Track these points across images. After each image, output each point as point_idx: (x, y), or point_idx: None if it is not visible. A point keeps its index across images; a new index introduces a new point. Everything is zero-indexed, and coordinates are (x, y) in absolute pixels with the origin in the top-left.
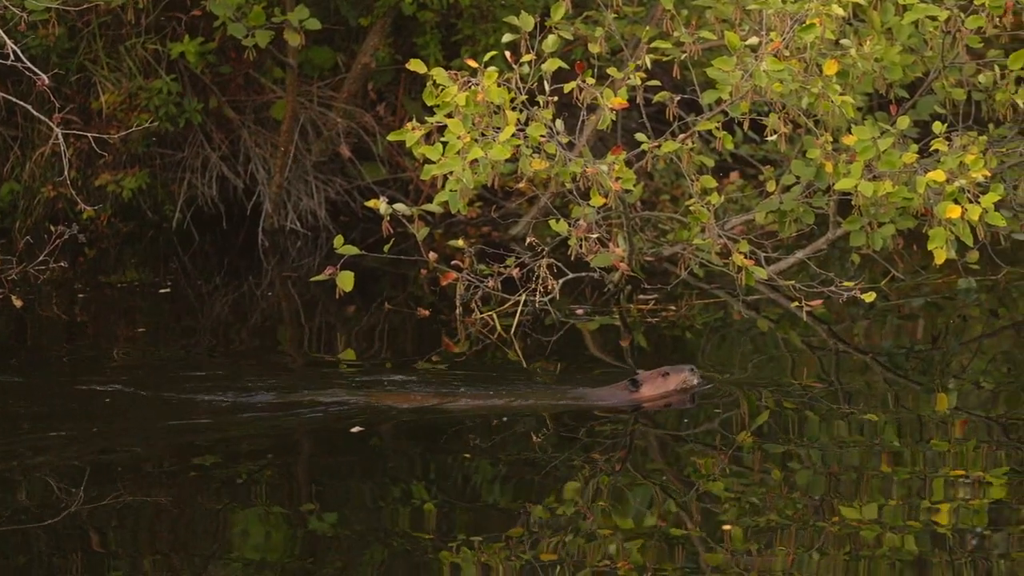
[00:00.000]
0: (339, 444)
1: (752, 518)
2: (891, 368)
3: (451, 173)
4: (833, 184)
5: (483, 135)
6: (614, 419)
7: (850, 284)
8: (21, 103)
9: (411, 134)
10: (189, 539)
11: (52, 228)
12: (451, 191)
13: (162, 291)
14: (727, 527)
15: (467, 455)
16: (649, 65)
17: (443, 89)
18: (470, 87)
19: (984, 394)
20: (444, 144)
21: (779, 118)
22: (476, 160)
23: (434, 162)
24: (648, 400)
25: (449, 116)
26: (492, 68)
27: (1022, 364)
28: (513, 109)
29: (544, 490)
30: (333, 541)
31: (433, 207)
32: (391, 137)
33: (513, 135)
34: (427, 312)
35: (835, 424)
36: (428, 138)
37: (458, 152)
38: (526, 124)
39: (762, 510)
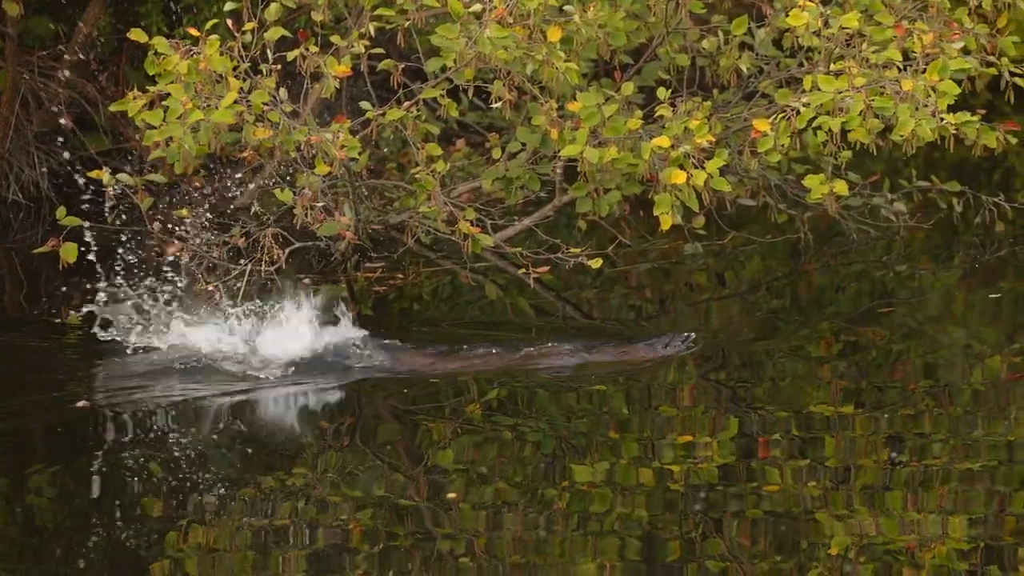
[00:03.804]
0: (65, 419)
1: (480, 487)
2: (619, 334)
3: (172, 139)
4: (559, 151)
5: (207, 104)
6: (342, 388)
7: (577, 250)
8: None
9: (133, 103)
10: None
11: None
12: (172, 149)
13: None
14: (452, 495)
15: (195, 428)
16: (373, 33)
17: (165, 58)
18: (192, 55)
19: (711, 359)
20: (166, 110)
21: (504, 85)
22: (198, 126)
23: (156, 127)
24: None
25: (171, 84)
26: (214, 36)
27: (749, 328)
28: (236, 78)
29: (271, 459)
30: (56, 519)
31: (157, 177)
32: (113, 107)
33: (236, 102)
34: (154, 283)
35: (564, 393)
36: (151, 107)
37: (179, 117)
38: (250, 92)
39: (490, 479)
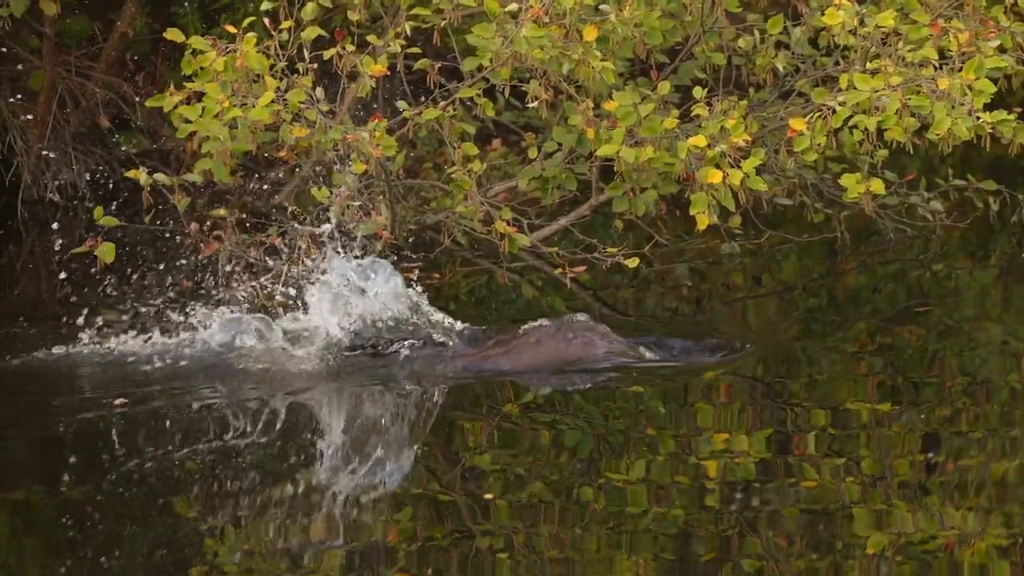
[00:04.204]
0: (103, 419)
1: (517, 486)
2: (655, 333)
3: (208, 137)
4: (595, 150)
5: (244, 104)
6: (377, 387)
7: (613, 250)
8: None
9: (169, 99)
10: None
11: None
12: (212, 158)
13: None
14: (489, 496)
15: (232, 427)
16: (409, 32)
17: (201, 55)
18: (228, 53)
19: (748, 356)
20: (203, 110)
21: (540, 84)
22: (235, 124)
23: (192, 122)
24: None
25: (209, 83)
26: (251, 34)
27: (786, 327)
28: (273, 76)
29: (305, 458)
30: (93, 518)
31: (194, 177)
32: (149, 103)
33: (273, 101)
34: (189, 284)
35: (601, 391)
36: (187, 104)
37: (216, 116)
38: (286, 91)
39: (528, 477)
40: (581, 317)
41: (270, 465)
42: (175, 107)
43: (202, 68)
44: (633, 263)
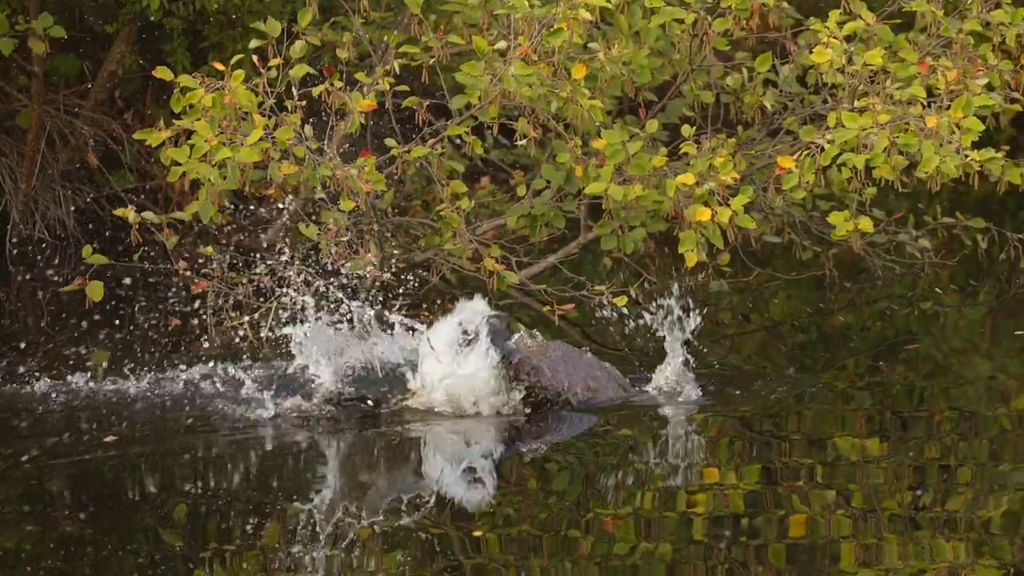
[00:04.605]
0: (92, 454)
1: (506, 526)
2: (644, 372)
3: (199, 180)
4: (583, 188)
5: (232, 141)
6: (364, 424)
7: (601, 288)
8: None
9: (157, 135)
10: None
11: None
12: (202, 201)
13: None
14: (478, 533)
15: (214, 465)
16: (397, 70)
17: (190, 92)
18: (216, 90)
19: (736, 393)
20: (192, 148)
21: (528, 122)
22: (224, 163)
23: (181, 164)
24: None
25: (197, 121)
26: (239, 71)
27: (774, 363)
28: (261, 114)
29: (294, 497)
30: (85, 546)
31: (183, 215)
32: (136, 136)
33: (261, 139)
34: (179, 321)
35: (590, 426)
36: (176, 143)
37: (204, 155)
38: (275, 129)
39: (516, 518)
40: (589, 354)
41: (259, 503)
42: (161, 144)
43: (191, 106)
44: (621, 301)
